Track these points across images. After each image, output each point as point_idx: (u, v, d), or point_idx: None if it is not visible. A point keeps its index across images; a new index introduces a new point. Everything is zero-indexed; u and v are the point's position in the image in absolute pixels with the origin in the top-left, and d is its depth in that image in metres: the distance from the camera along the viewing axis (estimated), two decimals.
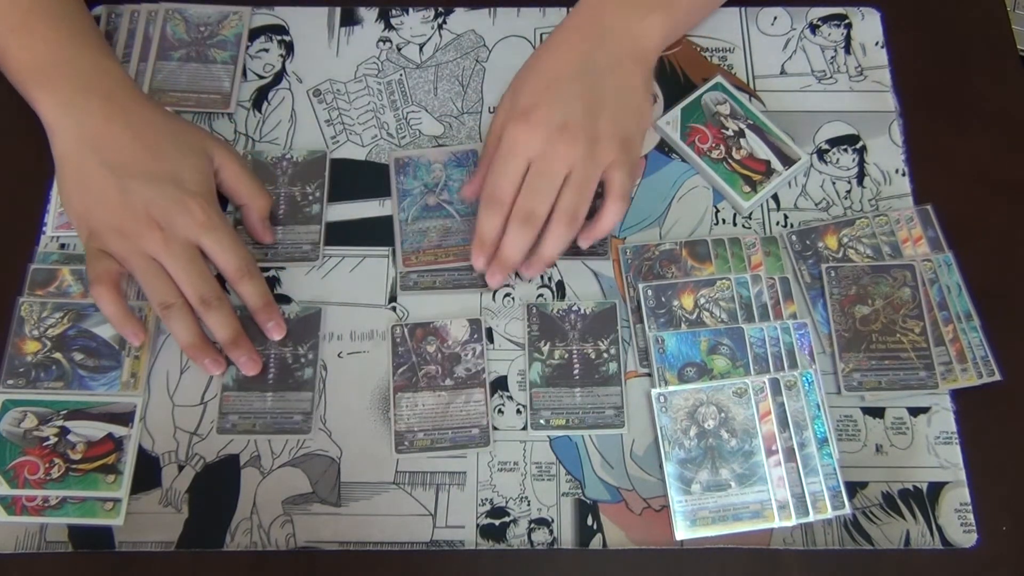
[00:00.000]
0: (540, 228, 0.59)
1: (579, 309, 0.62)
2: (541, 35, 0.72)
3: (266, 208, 0.63)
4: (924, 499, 0.58)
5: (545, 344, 0.61)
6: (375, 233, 0.65)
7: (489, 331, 0.62)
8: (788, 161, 0.66)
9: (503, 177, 0.60)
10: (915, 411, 0.60)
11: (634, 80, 0.63)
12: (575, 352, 0.61)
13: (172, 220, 0.58)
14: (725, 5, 0.72)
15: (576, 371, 0.61)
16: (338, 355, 0.61)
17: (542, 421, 0.59)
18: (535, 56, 0.64)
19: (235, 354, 0.59)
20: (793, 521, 0.56)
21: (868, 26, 0.72)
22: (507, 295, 0.63)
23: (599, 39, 0.63)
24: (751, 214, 0.66)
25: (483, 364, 0.61)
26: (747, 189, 0.65)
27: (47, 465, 0.57)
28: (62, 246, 0.64)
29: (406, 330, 0.62)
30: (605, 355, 0.61)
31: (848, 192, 0.66)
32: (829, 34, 0.72)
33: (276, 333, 0.61)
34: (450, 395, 0.60)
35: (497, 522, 0.57)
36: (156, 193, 0.58)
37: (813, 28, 0.72)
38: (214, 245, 0.59)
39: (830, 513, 0.56)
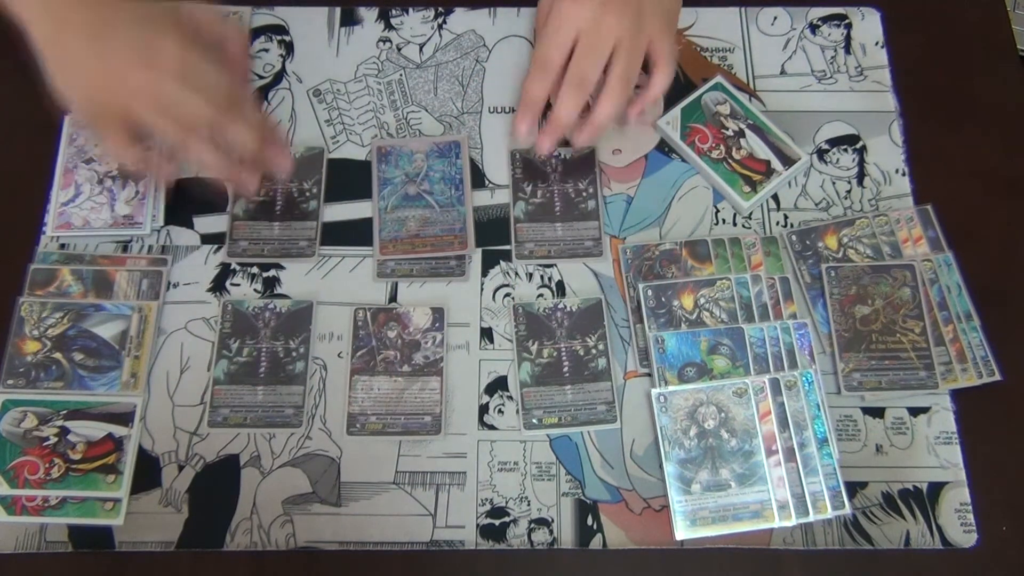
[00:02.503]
0: (590, 93, 0.61)
1: (565, 307, 0.62)
2: None
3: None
4: (924, 499, 0.58)
5: (533, 343, 0.61)
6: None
7: (489, 331, 0.62)
8: (788, 161, 0.66)
9: (552, 45, 0.61)
10: (915, 411, 0.60)
11: None
12: (563, 350, 0.61)
13: (154, 62, 0.54)
14: (725, 5, 0.72)
15: (566, 368, 0.61)
16: (338, 355, 0.61)
17: (534, 420, 0.59)
18: None
19: (272, 153, 0.60)
20: (793, 521, 0.56)
21: (868, 26, 0.72)
22: (507, 295, 0.63)
23: None
24: (751, 214, 0.66)
25: (442, 353, 0.61)
26: (747, 189, 0.65)
27: (47, 465, 0.57)
28: (62, 246, 0.64)
29: (368, 314, 0.62)
30: (594, 351, 0.61)
31: (848, 192, 0.66)
32: (829, 34, 0.72)
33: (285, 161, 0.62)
34: (406, 381, 0.60)
35: (497, 522, 0.57)
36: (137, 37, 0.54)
37: (813, 28, 0.72)
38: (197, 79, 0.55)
39: (830, 513, 0.56)
